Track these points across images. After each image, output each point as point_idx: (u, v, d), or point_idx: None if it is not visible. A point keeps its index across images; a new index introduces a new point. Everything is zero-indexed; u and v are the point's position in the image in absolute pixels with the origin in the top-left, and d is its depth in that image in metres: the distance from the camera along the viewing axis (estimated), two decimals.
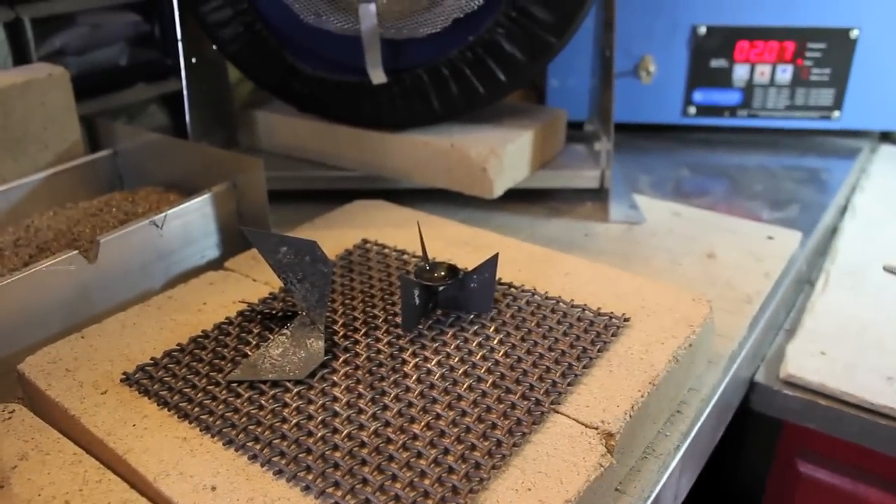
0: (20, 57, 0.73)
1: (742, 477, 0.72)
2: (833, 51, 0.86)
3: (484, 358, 0.43)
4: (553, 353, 0.43)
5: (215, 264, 0.59)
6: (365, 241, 0.59)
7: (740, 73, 0.89)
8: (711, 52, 0.88)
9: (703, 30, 0.87)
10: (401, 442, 0.37)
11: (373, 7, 0.63)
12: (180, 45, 0.72)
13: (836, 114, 0.90)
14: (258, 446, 0.37)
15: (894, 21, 0.83)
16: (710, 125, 0.93)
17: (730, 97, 0.90)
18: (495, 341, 0.45)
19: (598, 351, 0.44)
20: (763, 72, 0.88)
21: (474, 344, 0.45)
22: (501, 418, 0.39)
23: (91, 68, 0.79)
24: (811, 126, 0.91)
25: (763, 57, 0.88)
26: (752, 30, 0.87)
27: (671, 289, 0.51)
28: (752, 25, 0.87)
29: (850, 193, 0.84)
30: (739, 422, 0.67)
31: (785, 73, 0.88)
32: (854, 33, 0.85)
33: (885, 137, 0.97)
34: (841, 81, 0.88)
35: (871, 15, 0.84)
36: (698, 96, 0.91)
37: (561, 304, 0.49)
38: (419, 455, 0.36)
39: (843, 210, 0.81)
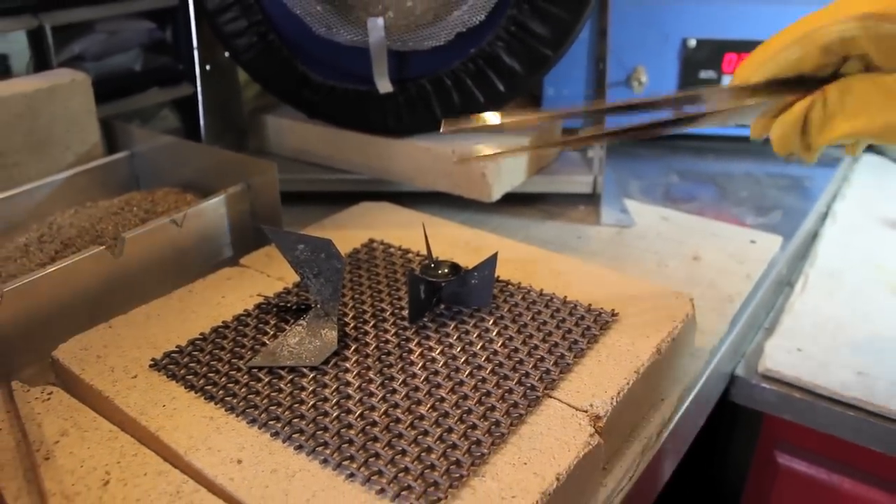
0: (41, 62, 0.76)
1: (726, 469, 0.75)
2: None
3: (483, 348, 0.47)
4: (547, 344, 0.47)
5: (230, 261, 0.63)
6: (371, 241, 0.62)
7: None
8: (700, 63, 0.92)
9: (692, 42, 0.91)
10: (409, 421, 0.41)
11: (381, 21, 0.67)
12: (196, 53, 0.76)
13: None
14: (279, 424, 0.41)
15: None
16: (698, 134, 0.97)
17: None
18: (494, 333, 0.49)
19: (588, 342, 0.48)
20: None
21: (475, 335, 0.49)
22: (500, 401, 0.42)
23: (107, 73, 0.82)
24: None
25: None
26: (740, 43, 0.91)
27: (656, 287, 0.55)
28: (739, 39, 0.90)
29: (832, 200, 0.88)
30: (723, 416, 0.70)
31: None
32: None
33: (867, 147, 1.01)
34: None
35: None
36: (688, 107, 0.94)
37: (554, 300, 0.53)
38: (426, 433, 0.40)
39: (825, 216, 0.85)
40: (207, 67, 0.78)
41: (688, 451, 0.57)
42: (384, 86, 0.70)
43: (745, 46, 0.90)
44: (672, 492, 0.65)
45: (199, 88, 0.77)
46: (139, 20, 0.84)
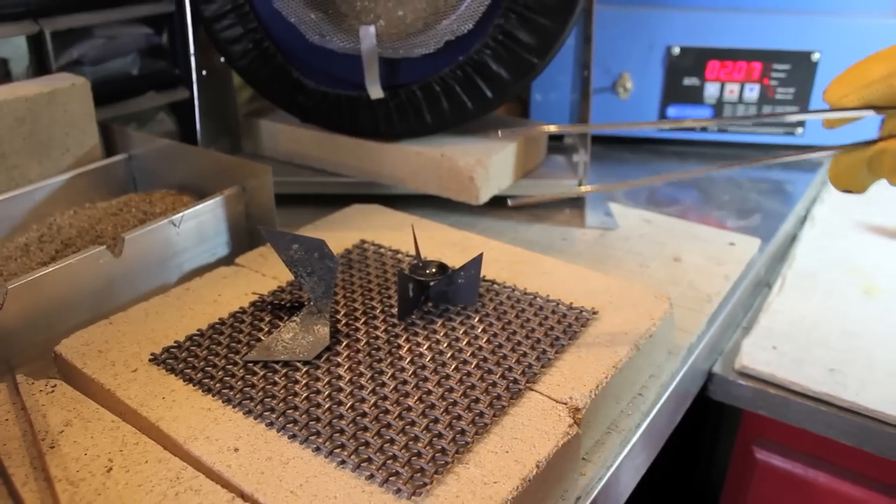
0: (40, 66, 0.78)
1: (711, 466, 0.78)
2: (796, 72, 0.93)
3: (469, 343, 0.49)
4: (530, 340, 0.50)
5: (225, 261, 0.65)
6: (363, 242, 0.65)
7: (711, 90, 0.95)
8: (684, 70, 0.95)
9: (676, 50, 0.94)
10: (397, 412, 0.43)
11: (372, 29, 0.69)
12: (193, 58, 0.78)
13: (800, 130, 0.96)
14: (274, 415, 0.43)
15: (850, 45, 0.90)
16: (682, 139, 0.99)
17: (701, 113, 0.97)
18: (479, 330, 0.51)
19: (569, 339, 0.50)
20: (732, 90, 0.95)
21: (461, 332, 0.51)
22: (484, 394, 0.45)
23: (105, 77, 0.84)
24: (776, 141, 0.98)
25: (732, 76, 0.94)
26: (723, 51, 0.93)
27: (636, 287, 0.57)
28: (722, 47, 0.93)
29: (811, 204, 0.90)
30: (708, 414, 0.73)
31: (752, 92, 0.95)
32: (815, 56, 0.92)
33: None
34: (804, 100, 0.94)
35: (830, 40, 0.90)
36: (672, 112, 0.97)
37: (538, 298, 0.55)
38: (413, 423, 0.42)
39: (804, 219, 0.87)
40: (204, 73, 0.80)
41: (672, 448, 0.60)
42: (375, 92, 0.72)
43: (728, 54, 0.93)
44: (657, 487, 0.68)
45: (195, 93, 0.79)
46: (136, 26, 0.86)
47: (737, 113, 0.96)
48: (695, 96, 0.96)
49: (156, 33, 0.88)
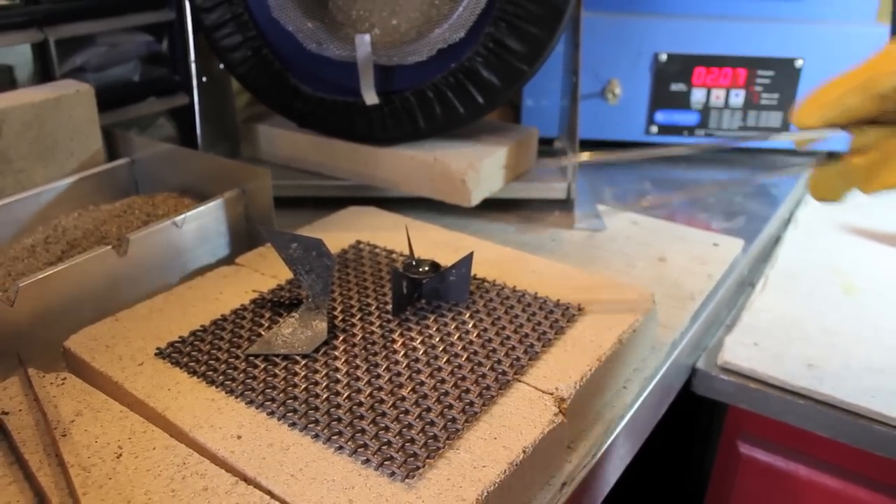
0: (45, 73, 0.81)
1: (695, 460, 0.80)
2: (780, 78, 0.95)
3: (460, 338, 0.52)
4: (518, 335, 0.52)
5: (226, 261, 0.67)
6: (358, 242, 0.67)
7: (698, 96, 0.98)
8: (672, 77, 0.97)
9: (664, 57, 0.96)
10: (391, 402, 0.45)
11: (368, 38, 0.72)
12: (193, 66, 0.80)
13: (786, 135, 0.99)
14: (274, 405, 0.46)
15: (833, 52, 0.93)
16: (671, 144, 1.02)
17: (688, 118, 0.99)
18: (470, 325, 0.53)
19: (556, 333, 0.52)
20: (718, 96, 0.97)
21: (452, 327, 0.53)
22: (474, 385, 0.47)
23: (107, 84, 0.86)
24: (761, 145, 1.00)
25: (718, 82, 0.97)
26: (709, 58, 0.96)
27: (621, 285, 0.60)
28: (708, 54, 0.95)
29: (795, 207, 0.93)
30: (694, 411, 0.75)
31: (738, 98, 0.97)
32: (798, 63, 0.94)
33: (832, 157, 1.06)
34: (788, 105, 0.97)
35: (813, 47, 0.93)
36: (660, 117, 0.99)
37: (526, 295, 0.57)
38: (406, 412, 0.45)
39: (787, 221, 0.90)
40: (203, 79, 0.82)
41: (661, 444, 0.61)
42: (370, 98, 0.75)
43: (715, 61, 0.95)
44: (647, 481, 0.70)
45: (195, 99, 0.82)
46: (138, 33, 0.88)
47: (722, 118, 0.98)
48: (682, 102, 0.98)
49: (156, 41, 0.90)
